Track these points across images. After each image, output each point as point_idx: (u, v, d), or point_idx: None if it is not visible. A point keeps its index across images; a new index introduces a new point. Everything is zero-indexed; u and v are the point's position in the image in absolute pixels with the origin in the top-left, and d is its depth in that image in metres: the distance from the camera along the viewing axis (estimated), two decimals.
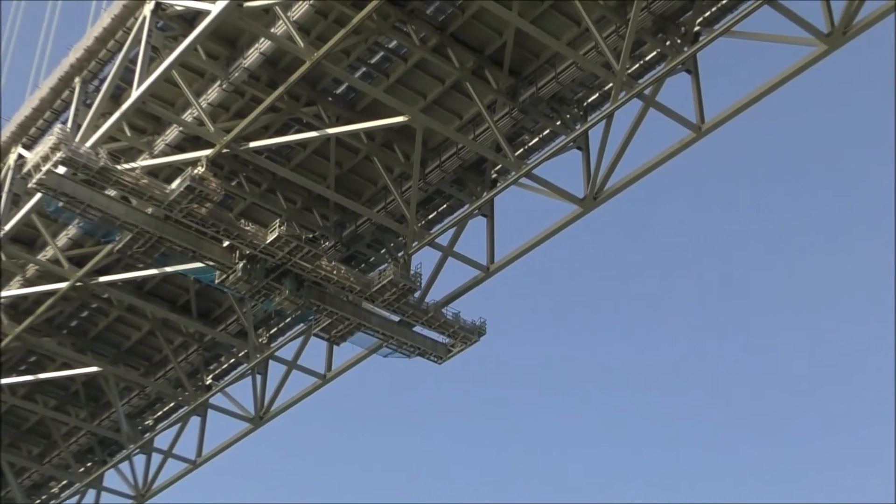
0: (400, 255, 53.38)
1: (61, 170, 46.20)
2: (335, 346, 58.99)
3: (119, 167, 46.75)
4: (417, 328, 54.23)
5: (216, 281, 51.00)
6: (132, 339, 65.09)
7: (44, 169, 45.72)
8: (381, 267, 53.03)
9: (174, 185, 47.39)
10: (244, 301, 58.36)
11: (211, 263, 50.18)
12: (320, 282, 51.06)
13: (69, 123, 50.89)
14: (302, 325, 59.17)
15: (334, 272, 50.77)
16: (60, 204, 47.41)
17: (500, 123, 49.71)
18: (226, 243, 49.68)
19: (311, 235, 50.33)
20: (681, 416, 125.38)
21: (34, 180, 46.20)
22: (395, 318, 53.50)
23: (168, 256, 50.51)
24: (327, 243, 54.65)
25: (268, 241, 48.84)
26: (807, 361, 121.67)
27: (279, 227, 48.91)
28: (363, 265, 56.78)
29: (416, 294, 52.35)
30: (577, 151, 51.15)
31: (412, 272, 52.10)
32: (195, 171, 47.08)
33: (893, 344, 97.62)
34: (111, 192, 48.22)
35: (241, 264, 49.83)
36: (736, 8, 45.72)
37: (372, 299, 51.58)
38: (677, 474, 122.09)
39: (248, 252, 49.57)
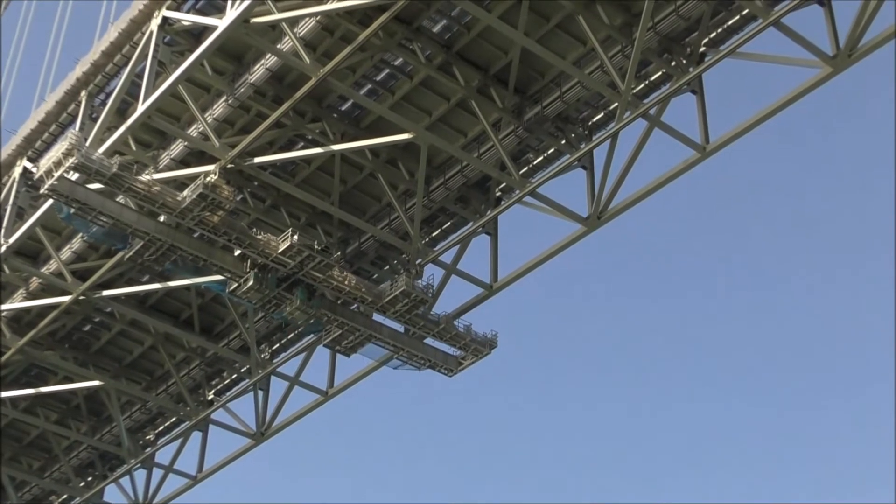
0: (411, 266, 52.87)
1: (73, 176, 46.08)
2: (336, 364, 59.10)
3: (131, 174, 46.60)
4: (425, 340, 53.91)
5: (227, 290, 50.80)
6: (134, 354, 65.07)
7: (56, 174, 45.49)
8: (393, 278, 52.65)
9: (186, 192, 47.25)
10: (247, 316, 58.44)
11: (228, 275, 49.92)
12: (331, 292, 50.87)
13: None
14: (305, 340, 59.26)
15: (346, 282, 50.54)
16: (72, 210, 47.20)
17: (504, 142, 49.77)
18: (237, 252, 49.52)
19: (323, 245, 50.07)
20: (683, 430, 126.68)
21: (46, 186, 45.96)
22: (401, 330, 53.20)
23: (178, 266, 50.30)
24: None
25: (280, 251, 48.71)
26: (807, 363, 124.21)
27: (291, 236, 48.79)
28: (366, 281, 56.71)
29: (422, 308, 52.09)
30: (581, 170, 51.16)
31: (424, 284, 51.83)
32: (208, 179, 47.04)
33: (893, 344, 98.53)
34: (121, 200, 48.17)
35: (252, 273, 49.68)
36: (742, 29, 45.83)
37: (383, 310, 51.21)
38: (679, 484, 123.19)
39: (259, 261, 49.42)
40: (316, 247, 49.15)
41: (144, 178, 47.19)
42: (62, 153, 45.33)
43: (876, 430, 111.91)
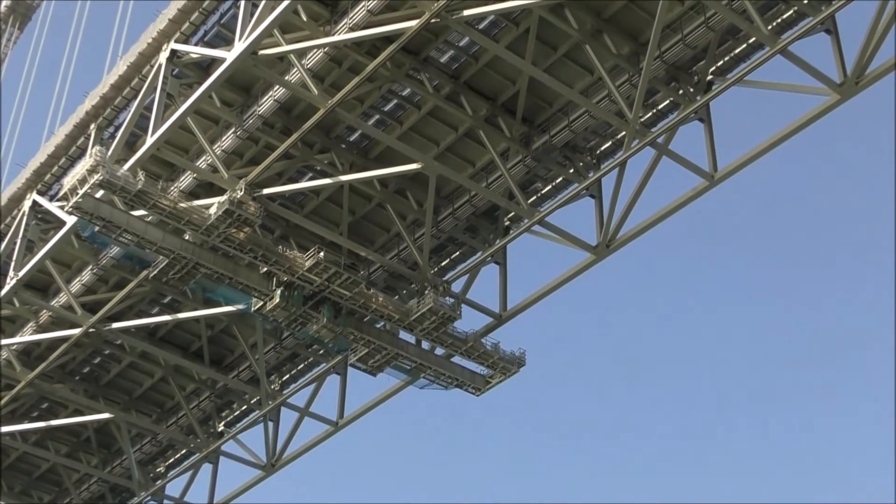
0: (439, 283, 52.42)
1: (97, 195, 45.83)
2: (347, 394, 58.93)
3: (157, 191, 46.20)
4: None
5: (253, 309, 50.30)
6: (144, 386, 65.04)
7: (81, 192, 45.20)
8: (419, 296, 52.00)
9: (212, 209, 47.04)
10: (257, 348, 58.39)
11: (254, 294, 49.54)
12: (358, 310, 50.41)
13: None
14: (316, 370, 59.25)
15: (373, 300, 50.21)
16: (97, 229, 46.93)
17: (513, 171, 49.79)
18: (263, 269, 49.28)
19: (350, 262, 49.53)
20: (683, 435, 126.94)
21: (70, 204, 45.75)
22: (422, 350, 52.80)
23: (204, 286, 49.97)
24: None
25: (306, 267, 48.42)
26: (804, 368, 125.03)
27: (317, 253, 48.53)
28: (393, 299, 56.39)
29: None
30: (589, 199, 51.16)
31: (450, 301, 51.26)
32: (234, 195, 46.90)
33: (894, 344, 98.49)
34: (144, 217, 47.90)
35: (278, 291, 49.38)
36: (749, 57, 45.94)
37: (411, 328, 50.81)
38: (682, 487, 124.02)
39: (285, 279, 49.09)
40: (342, 263, 48.86)
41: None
42: (87, 169, 45.01)
43: (876, 429, 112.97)
